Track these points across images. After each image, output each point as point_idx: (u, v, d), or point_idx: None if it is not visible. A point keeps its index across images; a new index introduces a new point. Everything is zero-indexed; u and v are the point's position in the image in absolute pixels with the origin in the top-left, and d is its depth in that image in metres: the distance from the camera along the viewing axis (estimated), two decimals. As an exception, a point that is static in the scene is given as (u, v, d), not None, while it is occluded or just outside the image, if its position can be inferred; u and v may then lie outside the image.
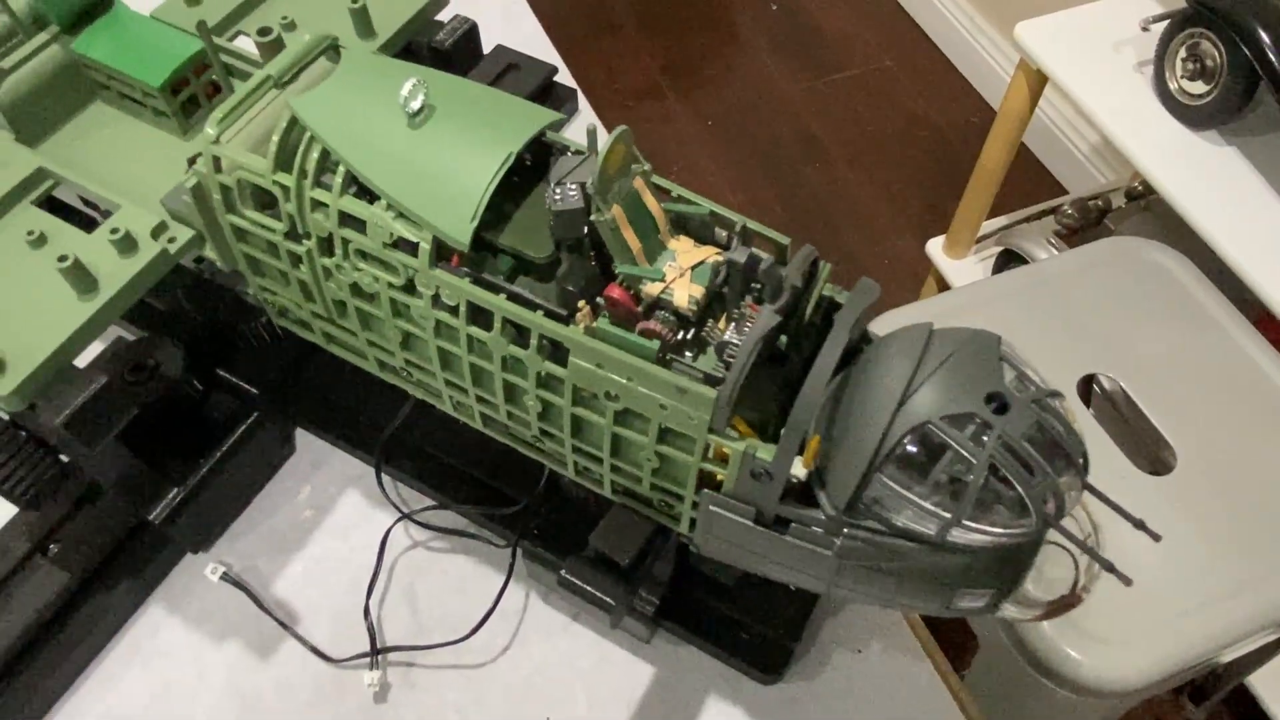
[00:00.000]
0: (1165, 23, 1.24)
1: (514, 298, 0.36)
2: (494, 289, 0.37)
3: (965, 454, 0.31)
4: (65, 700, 0.53)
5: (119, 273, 0.42)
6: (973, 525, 0.32)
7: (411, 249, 0.37)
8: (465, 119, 0.36)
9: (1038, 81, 1.59)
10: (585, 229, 0.37)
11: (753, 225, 0.37)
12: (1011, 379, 0.33)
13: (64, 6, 0.49)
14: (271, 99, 0.43)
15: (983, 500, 0.32)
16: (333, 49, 0.42)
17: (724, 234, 0.39)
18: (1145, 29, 1.29)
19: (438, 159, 0.36)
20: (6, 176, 0.46)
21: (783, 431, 0.33)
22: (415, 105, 0.36)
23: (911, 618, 0.56)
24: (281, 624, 0.55)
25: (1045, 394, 0.33)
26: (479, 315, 0.37)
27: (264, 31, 0.44)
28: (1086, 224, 1.97)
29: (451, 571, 0.57)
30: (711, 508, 0.37)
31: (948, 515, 0.33)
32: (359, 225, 0.37)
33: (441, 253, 0.37)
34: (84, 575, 0.53)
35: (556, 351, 0.37)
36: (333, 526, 0.59)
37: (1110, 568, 0.33)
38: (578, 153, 0.39)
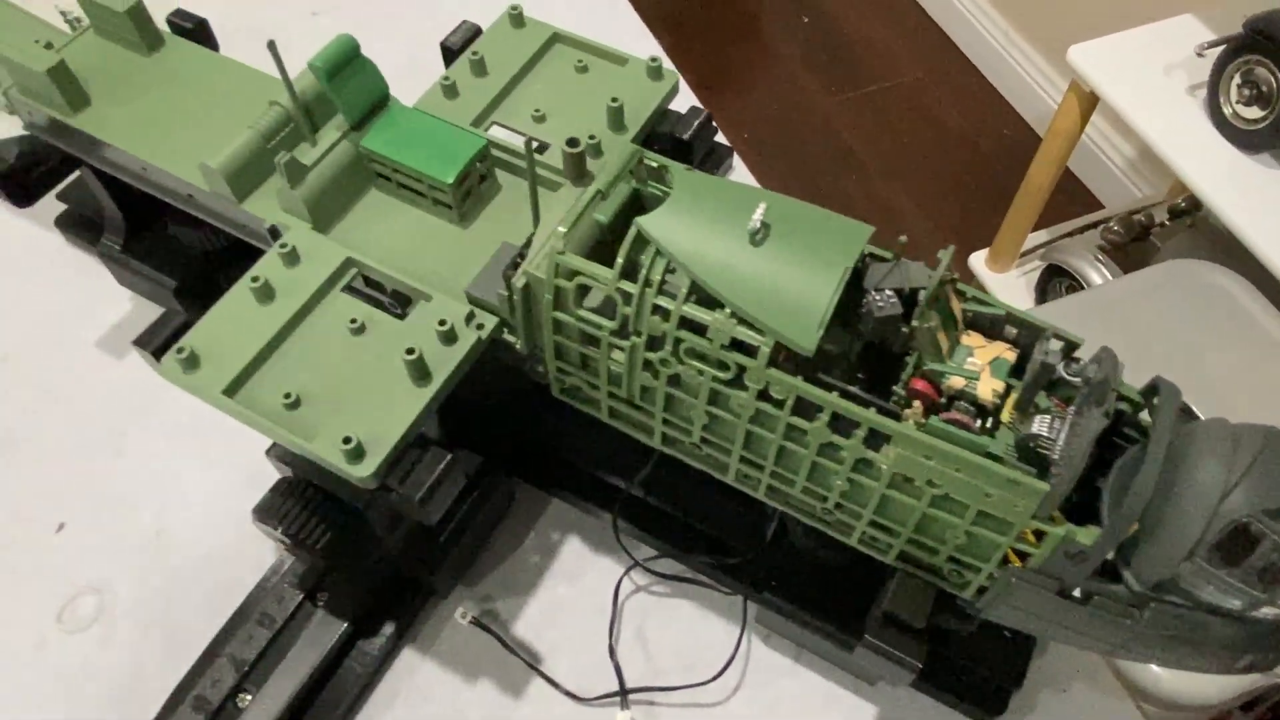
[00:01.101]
0: (1220, 48, 1.27)
1: (845, 394, 0.40)
2: (826, 386, 0.41)
3: (1287, 545, 0.35)
4: (338, 738, 0.57)
5: (445, 361, 0.47)
6: (1284, 604, 0.37)
7: (748, 351, 0.41)
8: (799, 237, 0.41)
9: (1089, 102, 1.63)
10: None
11: (1057, 330, 0.41)
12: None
13: (357, 108, 0.53)
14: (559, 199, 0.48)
15: (1293, 582, 0.36)
16: (640, 162, 0.46)
17: (1011, 330, 0.43)
18: (1200, 54, 1.32)
19: (781, 273, 0.40)
20: (320, 267, 0.50)
21: (1111, 521, 0.37)
22: (756, 225, 0.40)
23: (1111, 659, 0.60)
24: (529, 665, 0.59)
25: (1347, 488, 0.37)
26: (800, 405, 0.42)
27: (572, 143, 0.48)
28: (1131, 239, 2.00)
29: (678, 615, 0.61)
30: (1015, 581, 0.41)
31: (1257, 594, 0.37)
32: (695, 328, 0.42)
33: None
34: (356, 622, 0.57)
35: (871, 438, 0.41)
36: (560, 571, 0.63)
37: None
38: (881, 259, 0.43)
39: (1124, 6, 2.24)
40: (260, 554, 0.63)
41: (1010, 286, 2.02)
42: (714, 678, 0.57)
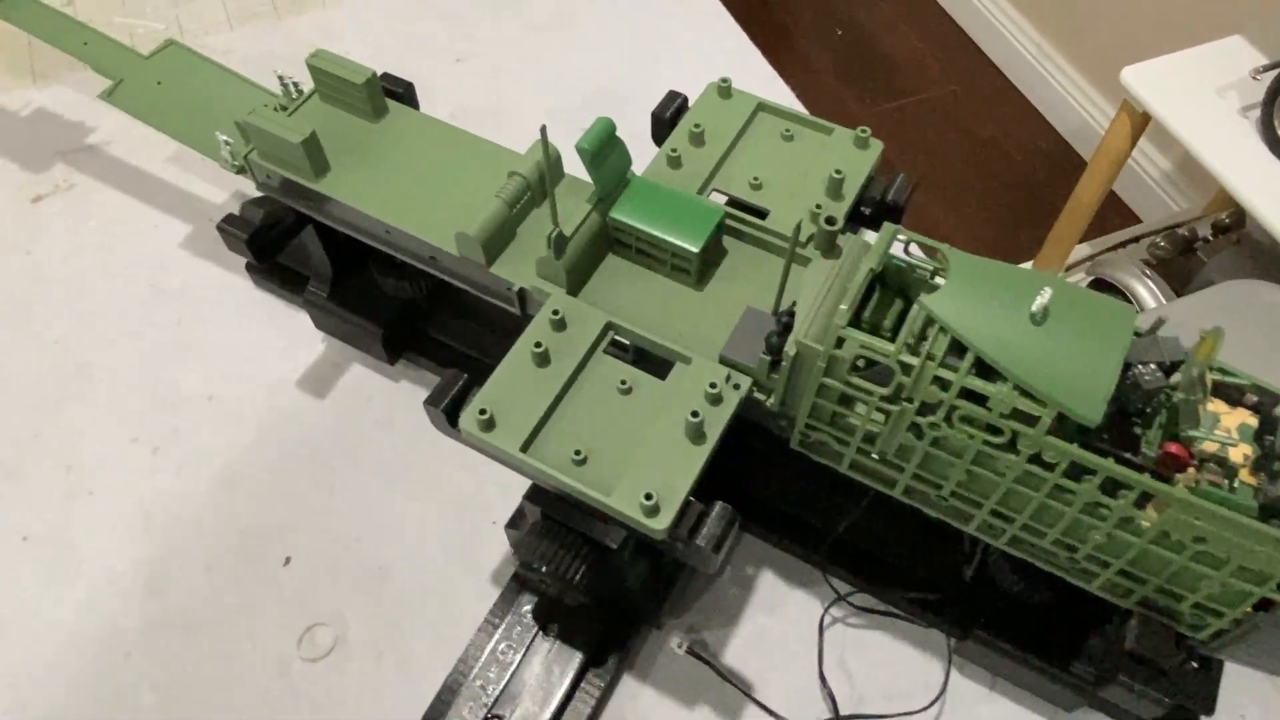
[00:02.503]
0: (1275, 72, 1.31)
1: (1117, 459, 0.44)
2: (1097, 451, 0.45)
3: None
4: (574, 761, 0.61)
5: (716, 421, 0.51)
6: None
7: (1027, 420, 0.45)
8: (1075, 317, 0.44)
9: (1141, 123, 1.66)
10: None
11: (1304, 401, 0.45)
12: None
13: (609, 183, 0.57)
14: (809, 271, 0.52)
15: None
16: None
17: (1251, 396, 0.47)
18: (1255, 78, 1.36)
19: (1063, 351, 0.44)
20: (584, 331, 0.54)
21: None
22: (1039, 308, 0.44)
23: (1287, 687, 0.64)
24: (744, 692, 0.63)
25: None
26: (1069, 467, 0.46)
27: (830, 221, 0.52)
28: (1177, 254, 2.03)
29: (876, 645, 0.65)
30: (1263, 627, 0.45)
31: None
32: (973, 398, 0.45)
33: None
34: (589, 652, 0.61)
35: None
36: (759, 603, 0.67)
37: None
38: (1137, 334, 0.47)
39: (1161, 23, 2.27)
40: (477, 585, 0.68)
41: (1052, 300, 2.06)
42: (925, 708, 0.61)
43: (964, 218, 2.54)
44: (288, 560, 0.69)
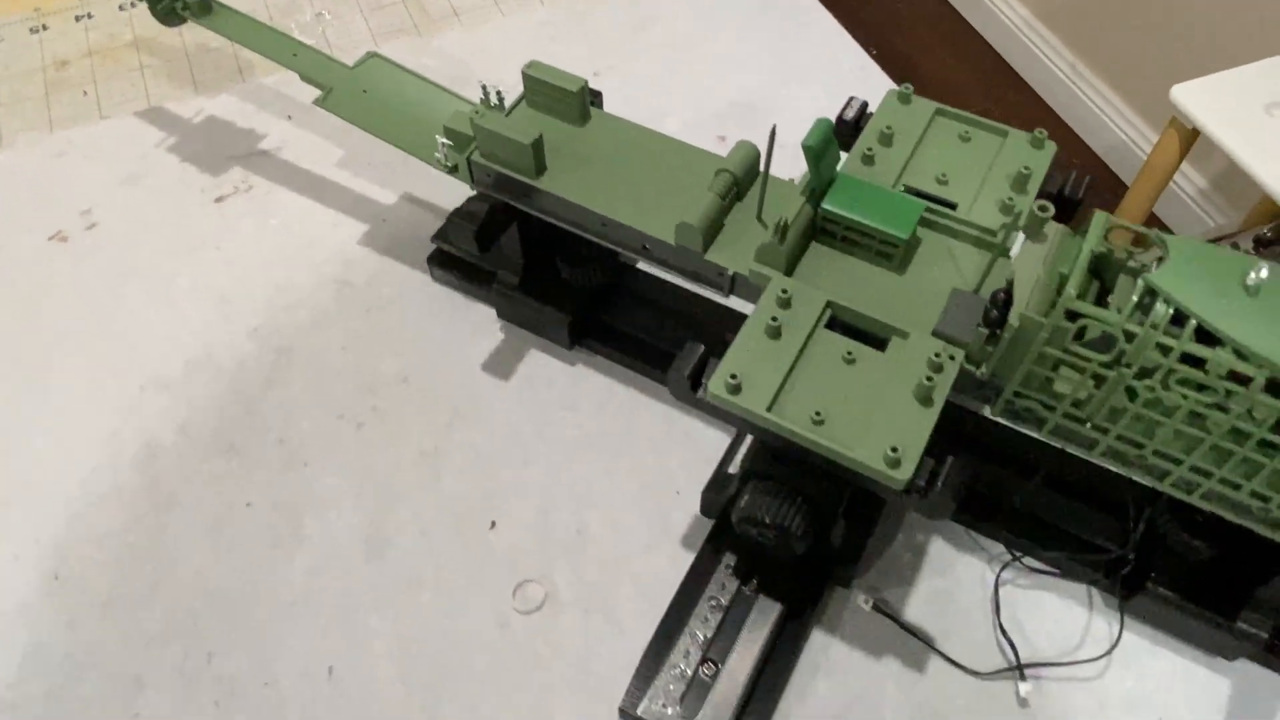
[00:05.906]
0: None
1: (1326, 417, 0.49)
2: (1310, 410, 0.49)
3: None
4: (781, 707, 0.66)
5: (941, 386, 0.55)
6: None
7: (1241, 381, 0.49)
8: (1288, 289, 0.49)
9: (1189, 139, 1.71)
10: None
11: None
12: None
13: (826, 179, 0.62)
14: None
15: None
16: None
17: None
18: None
19: (1277, 318, 0.49)
20: (808, 309, 0.59)
21: None
22: (1256, 281, 0.49)
23: None
24: (928, 644, 0.67)
25: None
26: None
27: (1043, 208, 0.57)
28: None
29: (1043, 604, 0.69)
30: None
31: None
32: (1191, 361, 0.50)
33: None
34: (788, 603, 0.66)
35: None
36: (931, 567, 0.72)
37: None
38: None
39: (1199, 42, 2.31)
40: (669, 549, 0.73)
41: (1096, 313, 2.10)
42: (1101, 656, 0.65)
43: (1001, 233, 2.57)
44: (493, 524, 0.74)
